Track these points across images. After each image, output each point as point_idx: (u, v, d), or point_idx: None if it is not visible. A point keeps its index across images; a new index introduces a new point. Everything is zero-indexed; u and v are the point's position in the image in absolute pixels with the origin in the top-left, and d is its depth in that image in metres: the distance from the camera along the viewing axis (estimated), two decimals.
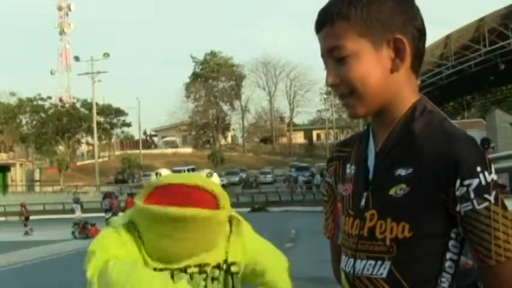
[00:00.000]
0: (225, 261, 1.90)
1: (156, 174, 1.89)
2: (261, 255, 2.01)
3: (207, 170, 1.95)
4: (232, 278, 1.90)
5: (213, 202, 1.75)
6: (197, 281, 1.83)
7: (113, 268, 1.65)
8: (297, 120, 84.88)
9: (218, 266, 1.88)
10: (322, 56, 1.35)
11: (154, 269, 1.77)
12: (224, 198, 1.78)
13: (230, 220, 1.93)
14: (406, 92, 1.32)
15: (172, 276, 1.79)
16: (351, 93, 1.30)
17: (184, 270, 1.82)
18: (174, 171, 2.12)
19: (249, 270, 1.97)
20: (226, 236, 1.91)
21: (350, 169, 1.41)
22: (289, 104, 79.19)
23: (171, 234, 1.73)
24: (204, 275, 1.85)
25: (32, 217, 27.11)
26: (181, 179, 1.79)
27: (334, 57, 1.30)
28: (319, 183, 41.54)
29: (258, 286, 2.07)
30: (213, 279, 1.87)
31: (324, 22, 1.31)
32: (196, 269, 1.83)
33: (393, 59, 1.29)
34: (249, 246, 1.97)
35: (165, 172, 1.92)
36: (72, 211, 24.70)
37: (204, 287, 1.84)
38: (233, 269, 1.90)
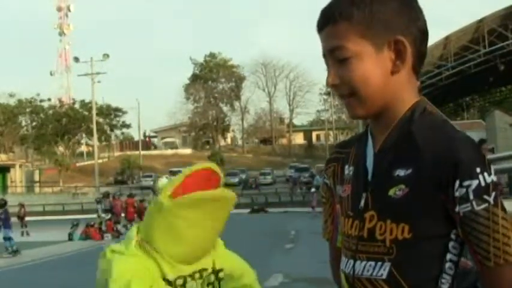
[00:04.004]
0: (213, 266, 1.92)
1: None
2: (236, 261, 2.03)
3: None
4: (219, 284, 1.92)
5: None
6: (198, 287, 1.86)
7: None
8: (297, 121, 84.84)
9: (213, 271, 1.90)
10: (324, 55, 1.34)
11: (169, 283, 1.79)
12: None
13: None
14: (407, 93, 1.31)
15: (184, 284, 1.82)
16: (352, 95, 1.29)
17: (192, 277, 1.85)
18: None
19: (227, 275, 1.98)
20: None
21: (348, 170, 1.41)
22: (289, 105, 79.15)
23: (203, 219, 1.78)
24: (201, 280, 1.87)
25: (31, 218, 27.00)
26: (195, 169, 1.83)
27: (336, 57, 1.29)
28: (319, 184, 41.50)
29: None
30: (208, 284, 1.89)
31: (326, 22, 1.30)
32: (198, 275, 1.86)
33: (394, 60, 1.27)
34: (224, 252, 2.00)
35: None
36: (96, 211, 24.72)
37: None
38: (220, 275, 1.92)
